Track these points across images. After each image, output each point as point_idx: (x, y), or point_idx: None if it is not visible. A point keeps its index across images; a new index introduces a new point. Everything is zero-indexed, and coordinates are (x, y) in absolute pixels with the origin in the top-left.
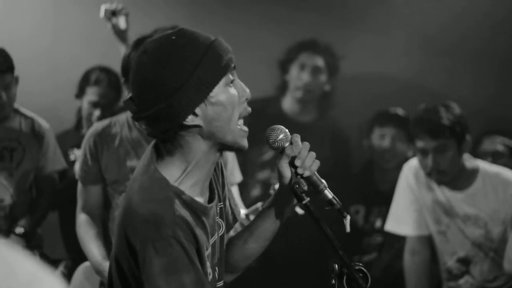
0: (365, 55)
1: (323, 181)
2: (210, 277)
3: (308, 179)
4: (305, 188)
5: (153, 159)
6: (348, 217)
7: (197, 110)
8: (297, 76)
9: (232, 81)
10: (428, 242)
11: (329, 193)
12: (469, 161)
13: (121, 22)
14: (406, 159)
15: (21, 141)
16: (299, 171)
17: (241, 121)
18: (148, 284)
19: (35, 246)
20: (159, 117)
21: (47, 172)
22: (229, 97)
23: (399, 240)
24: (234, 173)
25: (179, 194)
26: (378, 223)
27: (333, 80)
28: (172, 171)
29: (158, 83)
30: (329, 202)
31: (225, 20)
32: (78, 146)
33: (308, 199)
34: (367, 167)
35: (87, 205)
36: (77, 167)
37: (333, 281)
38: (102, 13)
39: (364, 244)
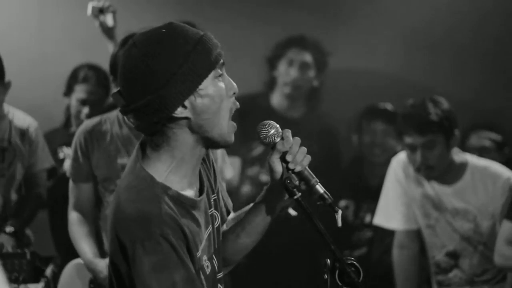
0: (352, 50)
1: (314, 176)
2: (209, 269)
3: (299, 174)
4: (297, 183)
5: (139, 157)
6: (340, 212)
7: (186, 102)
8: (286, 72)
9: (220, 75)
10: (416, 236)
11: (320, 188)
12: (458, 155)
13: (109, 20)
14: (395, 154)
15: (12, 141)
16: (291, 166)
17: (230, 117)
18: (139, 283)
19: (25, 244)
20: (148, 109)
21: (36, 170)
22: (218, 90)
23: (389, 234)
24: (223, 170)
25: (166, 190)
26: (367, 218)
27: (322, 76)
28: (158, 167)
29: (147, 75)
30: (321, 196)
31: (213, 19)
32: (67, 144)
33: (300, 194)
34: (356, 162)
35: (78, 202)
36: (67, 165)
37: (326, 275)
38: (89, 11)
39: (354, 239)
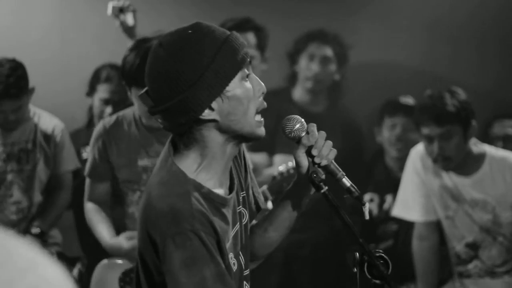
0: (373, 43)
1: (340, 169)
2: (235, 267)
3: (325, 168)
4: (323, 177)
5: (170, 153)
6: (367, 205)
7: (213, 104)
8: (307, 67)
9: (247, 76)
10: (436, 227)
11: (347, 181)
12: (476, 146)
13: (129, 19)
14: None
15: (37, 142)
16: (316, 160)
17: (257, 115)
18: (169, 279)
19: (52, 244)
20: (175, 111)
21: (60, 171)
22: (245, 91)
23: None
24: None
25: (197, 187)
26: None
27: (343, 70)
28: (189, 164)
29: (174, 77)
30: (348, 190)
31: (234, 14)
32: None
33: (326, 188)
34: (379, 155)
35: (93, 195)
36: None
37: (355, 269)
38: (109, 11)
39: (379, 232)
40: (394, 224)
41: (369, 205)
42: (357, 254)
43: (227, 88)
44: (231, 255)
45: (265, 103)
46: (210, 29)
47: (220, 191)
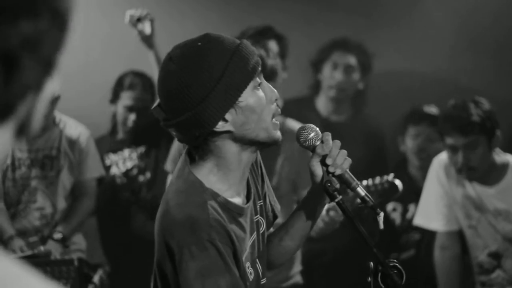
0: (396, 52)
1: (355, 179)
2: (252, 276)
3: (340, 177)
4: (337, 186)
5: (187, 162)
6: (382, 214)
7: (227, 116)
8: (330, 75)
9: (259, 84)
10: (458, 237)
11: (361, 191)
12: (499, 156)
13: (147, 28)
14: None
15: (61, 149)
16: (331, 169)
17: (273, 119)
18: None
19: (74, 251)
20: (188, 125)
21: (85, 178)
22: (258, 100)
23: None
24: None
25: (214, 196)
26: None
27: (366, 78)
28: (205, 174)
29: (185, 92)
30: (362, 199)
31: (257, 21)
32: (114, 151)
33: (341, 197)
34: (402, 164)
35: None
36: (113, 171)
37: (369, 278)
38: (127, 19)
39: (402, 242)
40: (417, 233)
41: (392, 214)
42: (372, 264)
43: (240, 99)
44: (248, 264)
45: (279, 110)
46: (220, 40)
47: (237, 200)
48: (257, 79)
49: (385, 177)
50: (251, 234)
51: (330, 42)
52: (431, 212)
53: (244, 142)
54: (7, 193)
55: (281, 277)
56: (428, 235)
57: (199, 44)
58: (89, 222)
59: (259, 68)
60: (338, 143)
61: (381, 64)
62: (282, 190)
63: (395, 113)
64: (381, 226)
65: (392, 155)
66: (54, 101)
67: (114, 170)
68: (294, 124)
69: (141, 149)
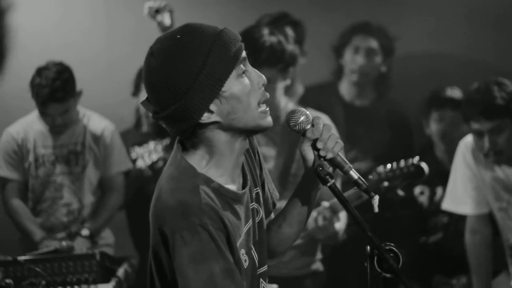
0: (418, 33)
1: (347, 162)
2: (247, 263)
3: (331, 161)
4: (329, 170)
5: (179, 149)
6: (376, 197)
7: (212, 107)
8: (352, 60)
9: (244, 72)
10: (488, 220)
11: (354, 174)
12: None
13: (166, 19)
14: None
15: (86, 144)
16: (322, 153)
17: (262, 105)
18: (178, 273)
19: (102, 246)
20: (174, 118)
21: (112, 173)
22: (242, 88)
23: (464, 219)
24: None
25: (207, 181)
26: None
27: (389, 61)
28: (198, 161)
29: (168, 86)
30: (355, 182)
31: (277, 9)
32: (139, 144)
33: (333, 181)
34: (428, 147)
35: None
36: (139, 164)
37: (365, 263)
38: (145, 11)
39: (430, 225)
40: (445, 216)
41: (420, 198)
42: (368, 248)
43: (223, 89)
44: (242, 251)
45: (267, 94)
46: (199, 30)
47: (232, 187)
48: (241, 66)
49: (410, 160)
50: (247, 221)
51: (351, 26)
52: (460, 196)
53: (233, 131)
54: (32, 190)
55: (301, 264)
56: (456, 218)
57: (178, 36)
58: (118, 215)
59: (242, 55)
60: (328, 126)
61: (404, 46)
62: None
63: (419, 95)
64: (376, 209)
65: (418, 138)
66: (77, 96)
67: (140, 163)
68: (313, 114)
69: (166, 141)
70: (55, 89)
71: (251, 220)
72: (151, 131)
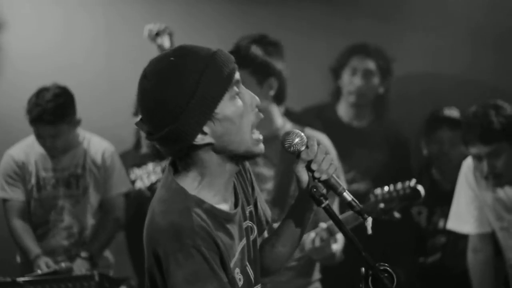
0: (416, 54)
1: (341, 183)
2: (241, 282)
3: (326, 183)
4: (323, 191)
5: (170, 172)
6: (370, 219)
7: (205, 129)
8: (349, 81)
9: (237, 94)
10: (490, 239)
11: (348, 196)
12: None
13: (166, 42)
14: (465, 157)
15: (87, 167)
16: (316, 175)
17: (254, 130)
18: None
19: (102, 267)
20: (168, 140)
21: (112, 195)
22: (236, 110)
23: (462, 239)
24: None
25: (198, 202)
26: (441, 224)
27: (387, 83)
28: (189, 182)
29: (162, 108)
30: (349, 204)
31: (278, 29)
32: (138, 165)
33: (327, 202)
34: (426, 168)
35: None
36: (138, 185)
37: (360, 284)
38: (145, 34)
39: (428, 245)
40: (443, 237)
41: (418, 218)
42: (363, 269)
43: (216, 111)
44: (237, 270)
45: (261, 115)
46: (192, 52)
47: (224, 207)
48: (235, 88)
49: (407, 183)
50: (240, 239)
51: (349, 47)
52: (463, 216)
53: (226, 153)
54: (34, 213)
55: (299, 284)
56: (454, 238)
57: (172, 58)
58: (118, 236)
59: (236, 76)
60: (323, 148)
61: (402, 67)
62: None
63: (417, 116)
64: (369, 231)
65: (416, 159)
66: (73, 123)
67: (139, 184)
68: (312, 134)
69: (165, 163)
70: (46, 110)
71: (245, 238)
72: (150, 152)
